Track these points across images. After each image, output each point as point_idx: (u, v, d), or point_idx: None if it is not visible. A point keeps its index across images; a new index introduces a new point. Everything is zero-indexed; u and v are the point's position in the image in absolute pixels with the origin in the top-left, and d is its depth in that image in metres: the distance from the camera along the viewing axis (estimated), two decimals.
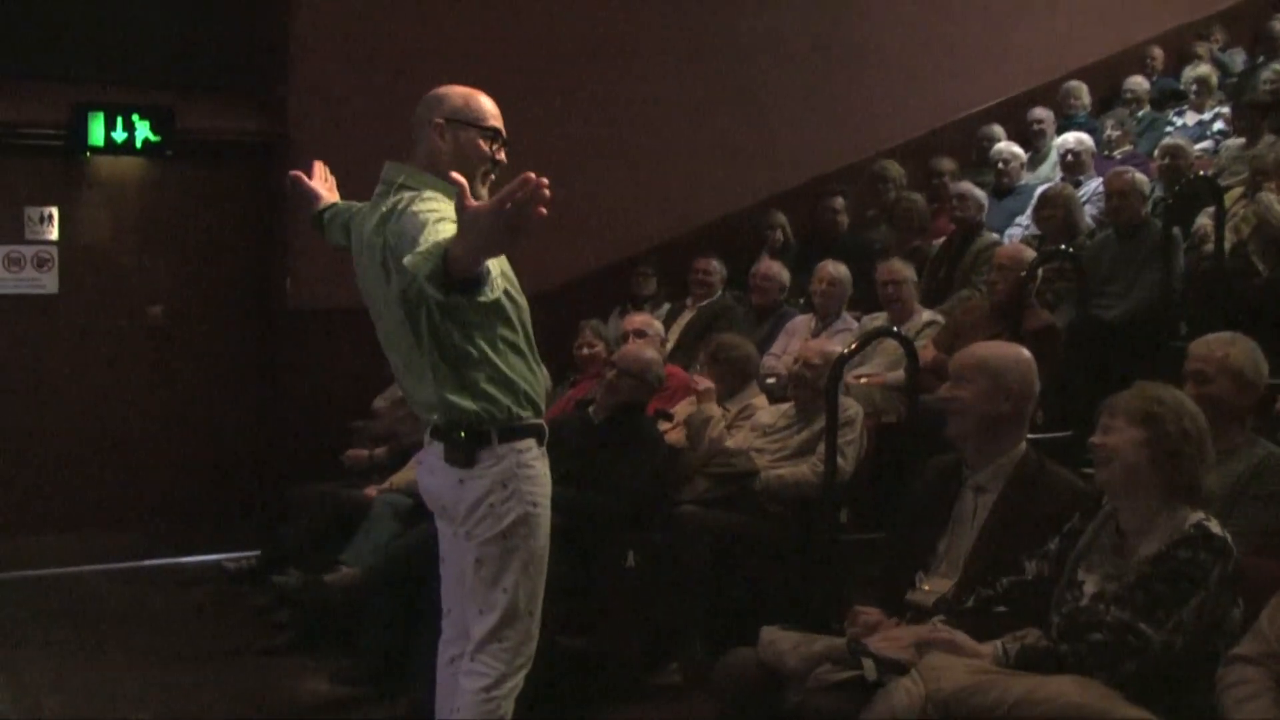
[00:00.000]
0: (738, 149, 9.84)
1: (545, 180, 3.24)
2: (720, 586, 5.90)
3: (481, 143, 3.93)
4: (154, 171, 8.86)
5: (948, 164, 9.72)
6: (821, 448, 5.96)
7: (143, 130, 8.56)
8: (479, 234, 3.22)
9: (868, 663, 3.60)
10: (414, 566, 5.70)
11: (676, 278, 8.91)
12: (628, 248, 9.42)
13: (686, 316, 8.42)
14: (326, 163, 8.75)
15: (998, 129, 10.21)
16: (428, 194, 3.75)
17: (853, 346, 6.20)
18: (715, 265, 8.60)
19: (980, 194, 8.42)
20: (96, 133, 8.51)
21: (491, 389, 3.76)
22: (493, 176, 3.96)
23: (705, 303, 8.47)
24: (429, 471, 3.94)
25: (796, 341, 7.45)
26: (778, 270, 8.24)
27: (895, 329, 6.77)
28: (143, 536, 8.68)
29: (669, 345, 7.83)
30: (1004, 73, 10.99)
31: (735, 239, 9.31)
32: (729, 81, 9.95)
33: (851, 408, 6.14)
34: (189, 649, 6.74)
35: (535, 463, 3.87)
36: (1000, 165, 9.42)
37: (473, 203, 3.26)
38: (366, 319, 9.03)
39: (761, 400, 6.73)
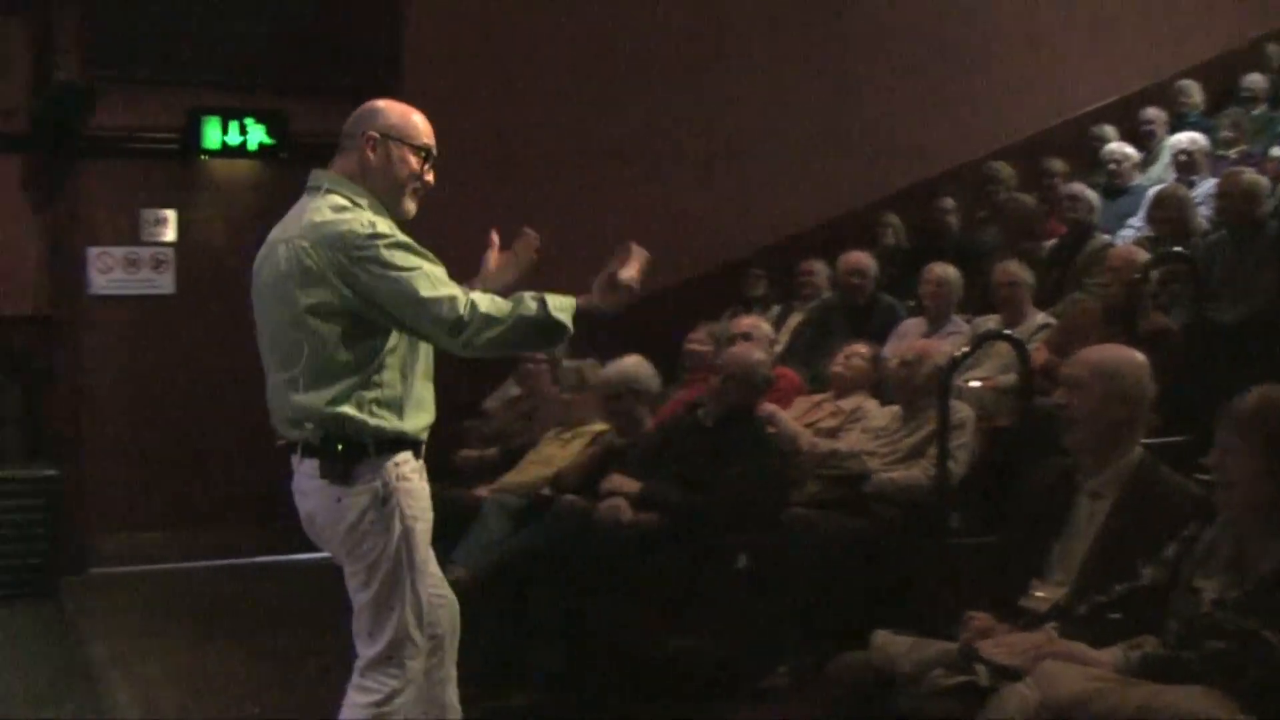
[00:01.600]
0: (849, 150, 9.79)
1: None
2: (830, 589, 5.86)
3: (413, 159, 3.89)
4: (267, 174, 8.99)
5: (1059, 165, 9.58)
6: (932, 451, 5.91)
7: (256, 134, 8.70)
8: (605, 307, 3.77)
9: (981, 668, 3.56)
10: (524, 567, 5.74)
11: (787, 280, 8.88)
12: (739, 249, 9.41)
13: (796, 318, 8.39)
14: (438, 165, 8.85)
15: (1109, 129, 10.05)
16: (345, 202, 3.76)
17: (965, 349, 6.15)
18: (819, 266, 8.56)
19: (1092, 195, 8.30)
20: (212, 136, 8.66)
21: (373, 401, 3.71)
22: (419, 193, 3.95)
23: (813, 304, 8.43)
24: (302, 494, 3.84)
25: (907, 344, 7.39)
26: (867, 263, 8.15)
27: (1008, 332, 6.70)
28: (258, 533, 8.80)
29: (778, 347, 7.80)
30: (1115, 72, 10.84)
31: (846, 240, 9.25)
32: (839, 82, 9.91)
33: (963, 411, 6.08)
34: (300, 645, 6.82)
35: (413, 475, 3.81)
36: (1112, 166, 9.28)
37: (625, 276, 3.81)
38: None
39: (873, 402, 6.69)
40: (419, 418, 3.84)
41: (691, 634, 5.71)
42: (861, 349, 6.89)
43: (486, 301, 3.64)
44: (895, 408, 6.44)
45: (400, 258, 3.62)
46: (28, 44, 8.37)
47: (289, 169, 8.94)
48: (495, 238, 4.45)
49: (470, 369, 8.67)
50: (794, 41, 9.81)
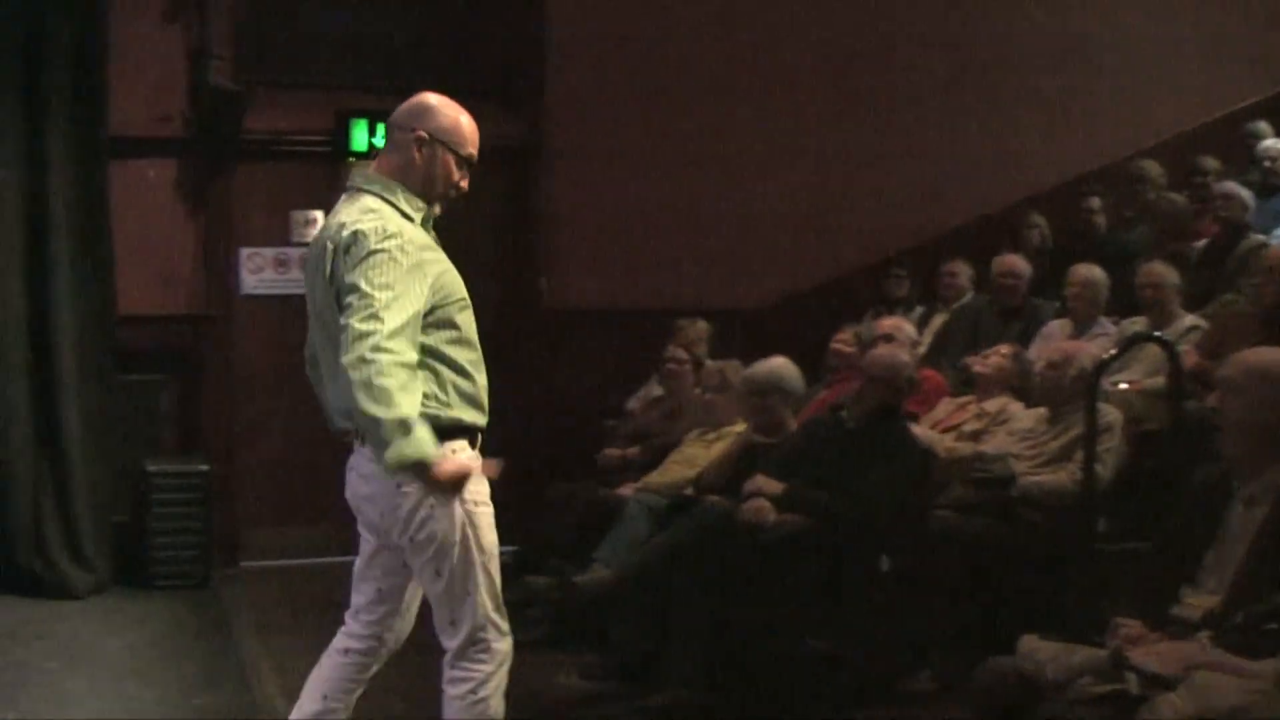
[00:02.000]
0: (993, 149, 9.69)
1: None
2: (975, 593, 5.81)
3: (454, 166, 3.94)
4: None
5: (1212, 163, 9.36)
6: (1080, 454, 5.83)
7: None
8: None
9: (1131, 676, 3.52)
10: (667, 567, 5.76)
11: (930, 280, 8.81)
12: (881, 249, 9.35)
13: (939, 319, 8.32)
14: (580, 167, 8.93)
15: (1263, 125, 9.79)
16: (373, 204, 3.80)
17: (1112, 351, 6.06)
18: (962, 267, 8.48)
19: (1245, 194, 8.12)
20: (359, 138, 8.78)
21: (428, 390, 3.74)
22: (450, 198, 4.00)
23: (957, 305, 8.36)
24: (362, 480, 3.88)
25: (1052, 346, 7.29)
26: (1022, 265, 8.06)
27: (1156, 334, 6.58)
28: None
29: (922, 348, 7.74)
30: (1271, 66, 10.56)
31: (990, 241, 9.16)
32: (983, 81, 9.80)
33: (1110, 414, 5.99)
34: (439, 641, 6.90)
35: (470, 462, 3.84)
36: (1267, 163, 9.05)
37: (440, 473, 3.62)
38: (622, 319, 9.20)
39: (1018, 405, 6.61)
40: (475, 409, 3.89)
41: (834, 637, 5.70)
42: (1003, 349, 6.81)
43: (394, 379, 3.55)
44: (1041, 410, 6.37)
45: (384, 274, 3.63)
46: (184, 52, 8.55)
47: None
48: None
49: (613, 369, 8.80)
50: (939, 41, 9.72)
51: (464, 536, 3.78)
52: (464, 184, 3.97)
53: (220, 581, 8.16)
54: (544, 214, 9.14)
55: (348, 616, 4.15)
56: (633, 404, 8.43)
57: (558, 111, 9.13)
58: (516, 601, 6.85)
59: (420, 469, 3.60)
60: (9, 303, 7.91)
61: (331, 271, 3.73)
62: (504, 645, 3.89)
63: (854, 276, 9.34)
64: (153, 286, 8.42)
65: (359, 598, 4.13)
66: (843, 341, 7.51)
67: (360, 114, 8.76)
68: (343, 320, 3.62)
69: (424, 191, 3.88)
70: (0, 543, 7.94)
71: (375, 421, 3.54)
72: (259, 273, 8.77)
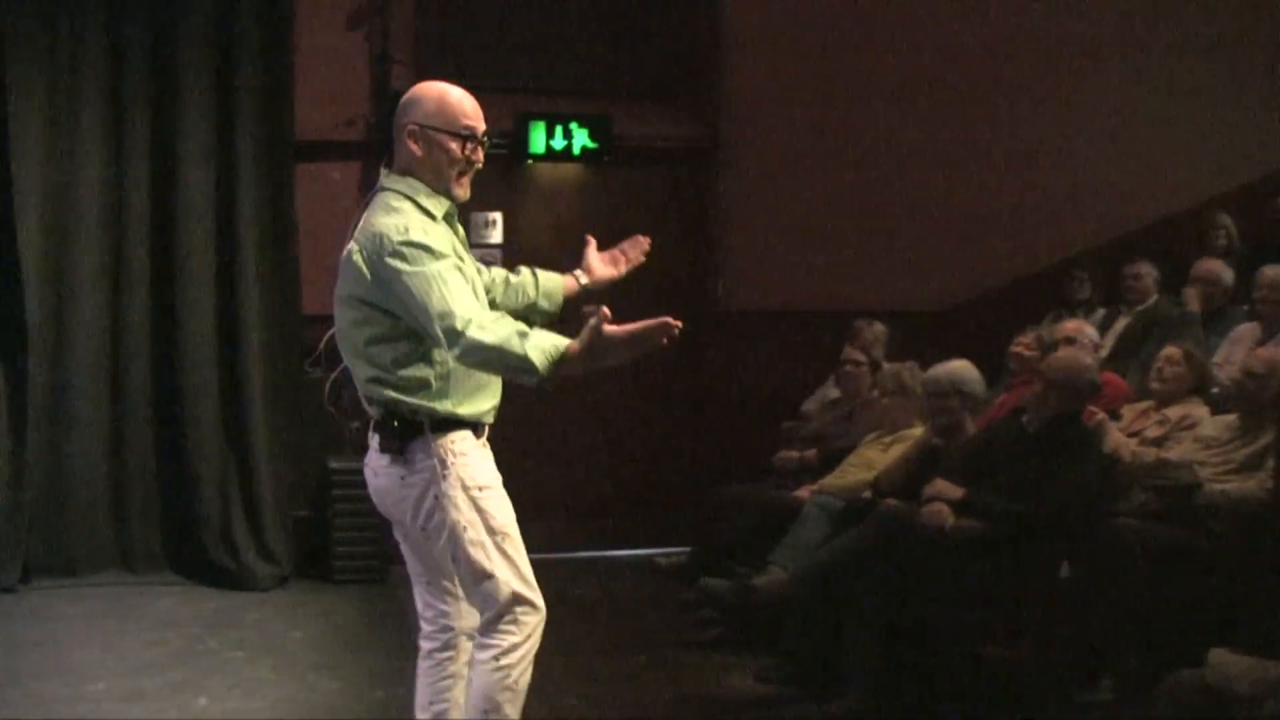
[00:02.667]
0: (1177, 147, 9.41)
1: (679, 324, 3.66)
2: (1158, 602, 5.66)
3: (454, 146, 3.90)
4: (591, 177, 9.18)
5: None
6: (1270, 463, 5.65)
7: (580, 138, 8.88)
8: (604, 358, 3.62)
9: None
10: (844, 570, 5.72)
11: (1113, 282, 8.61)
12: (1063, 250, 9.17)
13: (1122, 322, 8.14)
14: (757, 167, 8.92)
15: None
16: (395, 203, 3.84)
17: None
18: (1146, 269, 8.27)
19: None
20: (538, 141, 8.88)
21: (422, 386, 3.81)
22: (467, 174, 3.96)
23: (1140, 308, 8.16)
24: (374, 473, 3.98)
25: (1240, 350, 7.07)
26: (1220, 270, 7.85)
27: None
28: (575, 529, 9.01)
29: (1104, 352, 7.57)
30: None
31: (1174, 242, 8.92)
32: (1166, 79, 9.55)
33: None
34: (616, 640, 6.95)
35: (471, 450, 3.90)
36: None
37: (612, 331, 3.59)
38: (797, 321, 9.17)
39: (1204, 410, 6.43)
40: (476, 401, 3.93)
41: (1012, 643, 5.60)
42: (1174, 354, 6.60)
43: (487, 326, 3.63)
44: (1229, 417, 6.17)
45: (419, 263, 3.69)
46: (366, 57, 8.71)
47: (612, 172, 9.13)
48: (591, 239, 4.51)
49: (789, 371, 8.76)
50: (1121, 40, 9.50)
51: (472, 520, 3.84)
52: (477, 156, 3.96)
53: (398, 577, 8.25)
54: (720, 215, 9.14)
55: (420, 620, 4.23)
56: (809, 406, 8.38)
57: (734, 111, 9.13)
58: (693, 601, 6.93)
59: (575, 361, 3.64)
60: (199, 302, 8.14)
61: (354, 268, 3.81)
62: (534, 619, 3.91)
63: (1035, 278, 9.16)
64: (335, 286, 8.56)
65: (417, 599, 4.22)
66: (1023, 345, 7.37)
67: (539, 116, 8.85)
68: (412, 312, 3.70)
69: (436, 181, 3.90)
70: (189, 536, 8.17)
71: (516, 361, 3.61)
72: None
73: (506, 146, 8.89)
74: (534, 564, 8.16)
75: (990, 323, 8.22)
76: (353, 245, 3.83)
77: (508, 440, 8.93)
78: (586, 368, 3.66)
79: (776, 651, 6.15)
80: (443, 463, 3.83)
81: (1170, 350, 6.58)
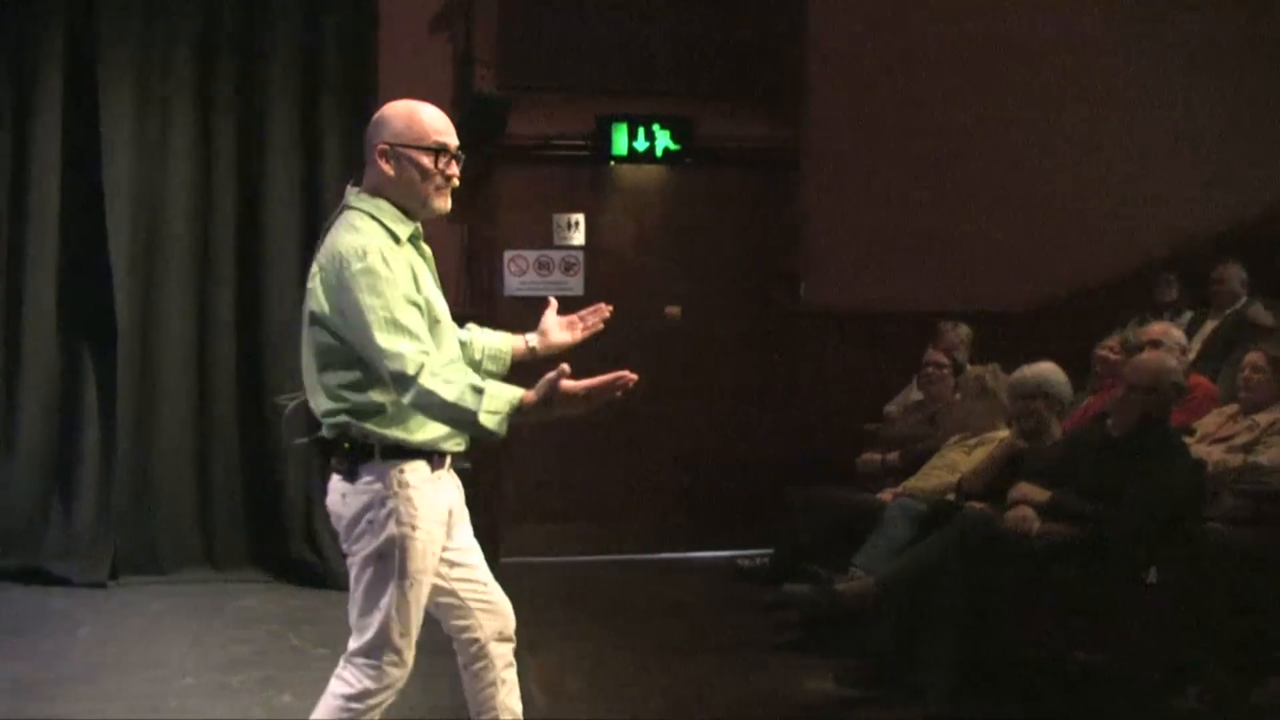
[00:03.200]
0: (1268, 147, 9.28)
1: (634, 377, 3.57)
2: (1247, 609, 5.58)
3: (426, 161, 3.83)
4: (673, 178, 9.18)
5: None
6: None
7: (663, 139, 8.89)
8: (559, 411, 3.60)
9: None
10: (928, 573, 5.68)
11: (1200, 284, 8.49)
12: (1149, 252, 9.06)
13: (1210, 325, 8.02)
14: (839, 168, 8.87)
15: None
16: (358, 223, 3.78)
17: None
18: (1234, 271, 8.16)
19: None
20: (620, 142, 8.90)
21: (375, 411, 3.72)
22: (444, 189, 3.89)
23: (1229, 311, 8.05)
24: (329, 489, 3.91)
25: None
26: None
27: None
28: (659, 529, 9.02)
29: (1191, 355, 7.47)
30: None
31: (1263, 243, 8.78)
32: (1251, 77, 9.40)
33: None
34: (697, 641, 6.94)
35: (421, 485, 3.79)
36: None
37: (568, 386, 3.55)
38: (880, 323, 9.10)
39: None
40: (430, 429, 3.79)
41: (1097, 649, 5.55)
42: (1256, 359, 6.49)
43: (439, 374, 3.55)
44: None
45: (375, 292, 3.62)
46: (450, 60, 8.78)
47: (694, 174, 9.12)
48: (553, 301, 4.42)
49: (871, 373, 8.71)
50: (1206, 38, 9.37)
51: (390, 556, 3.76)
52: (451, 170, 3.89)
53: None
54: (804, 215, 9.11)
55: (450, 638, 4.18)
56: (891, 408, 8.34)
57: (817, 112, 9.10)
58: (772, 605, 6.91)
59: (529, 414, 3.60)
60: (284, 300, 8.20)
61: (314, 288, 3.77)
62: (397, 672, 3.85)
63: (1122, 279, 9.05)
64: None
65: (435, 613, 4.14)
66: (1108, 348, 7.30)
67: (621, 118, 8.87)
68: (361, 343, 3.64)
69: (408, 199, 3.85)
70: (274, 535, 8.25)
71: (466, 418, 3.56)
72: (521, 275, 8.94)
73: (589, 148, 8.92)
74: (620, 565, 8.22)
75: (1076, 325, 8.13)
76: (315, 266, 3.79)
77: (592, 442, 9.05)
78: (540, 420, 3.64)
79: (857, 655, 6.10)
80: (386, 489, 3.76)
81: (1253, 356, 6.48)
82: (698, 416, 9.17)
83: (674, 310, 9.14)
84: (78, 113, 8.11)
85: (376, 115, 3.93)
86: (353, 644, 3.85)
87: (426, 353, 3.58)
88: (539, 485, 9.01)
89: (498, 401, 3.55)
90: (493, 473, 8.77)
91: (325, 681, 5.70)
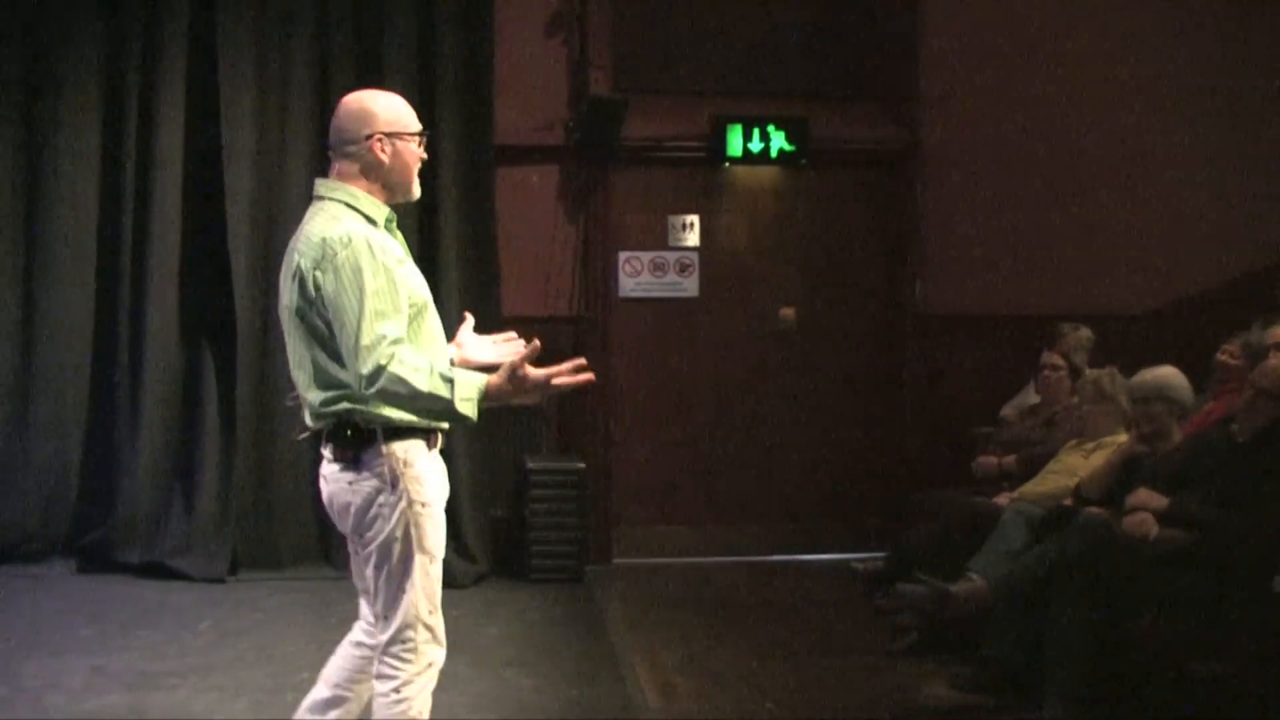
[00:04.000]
0: None
1: (590, 375, 3.77)
2: None
3: (414, 145, 4.04)
4: (788, 180, 9.15)
5: None
6: None
7: (778, 140, 8.86)
8: (521, 396, 3.72)
9: None
10: (1046, 578, 5.60)
11: None
12: (1273, 252, 8.86)
13: None
14: (955, 169, 8.77)
15: None
16: (336, 212, 3.91)
17: None
18: None
19: None
20: (735, 144, 8.88)
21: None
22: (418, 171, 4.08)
23: None
24: (325, 480, 3.99)
25: None
26: None
27: None
28: (772, 532, 9.01)
29: None
30: None
31: None
32: None
33: None
34: (812, 643, 6.92)
35: (420, 462, 3.90)
36: None
37: (527, 372, 3.68)
38: (996, 325, 8.99)
39: None
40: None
41: (1221, 658, 5.43)
42: None
43: (409, 364, 3.66)
44: None
45: (358, 280, 3.73)
46: (565, 63, 8.81)
47: (808, 174, 9.09)
48: (469, 316, 4.44)
49: (988, 375, 8.62)
50: None
51: (407, 535, 3.88)
52: (424, 154, 4.09)
53: (594, 576, 8.36)
54: (918, 217, 9.04)
55: (360, 614, 4.28)
56: (1007, 411, 8.23)
57: (933, 113, 9.02)
58: (887, 608, 6.85)
59: (492, 399, 3.72)
60: None
61: (299, 278, 3.83)
62: (432, 650, 3.96)
63: (1244, 281, 8.85)
64: (534, 289, 8.71)
65: (361, 599, 4.24)
66: (1228, 352, 7.14)
67: (736, 119, 8.86)
68: (339, 329, 3.75)
69: (397, 184, 4.02)
70: None
71: (432, 409, 3.73)
72: (636, 276, 8.96)
73: (703, 150, 8.92)
74: (732, 567, 8.22)
75: (1197, 328, 7.97)
76: (296, 256, 3.87)
77: (704, 444, 9.05)
78: (500, 404, 3.77)
79: (973, 660, 6.04)
80: (392, 472, 3.86)
81: None
82: (811, 418, 9.13)
83: (788, 311, 9.11)
84: (199, 119, 8.28)
85: (358, 109, 4.04)
86: (382, 635, 3.95)
87: (398, 342, 3.70)
88: (650, 487, 9.03)
89: (468, 389, 3.68)
90: (604, 474, 8.80)
91: (439, 679, 5.78)
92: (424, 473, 3.92)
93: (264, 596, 7.76)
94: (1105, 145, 9.00)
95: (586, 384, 3.77)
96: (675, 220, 9.01)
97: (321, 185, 4.04)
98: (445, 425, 4.00)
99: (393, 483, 3.86)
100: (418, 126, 4.06)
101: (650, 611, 7.61)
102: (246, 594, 7.84)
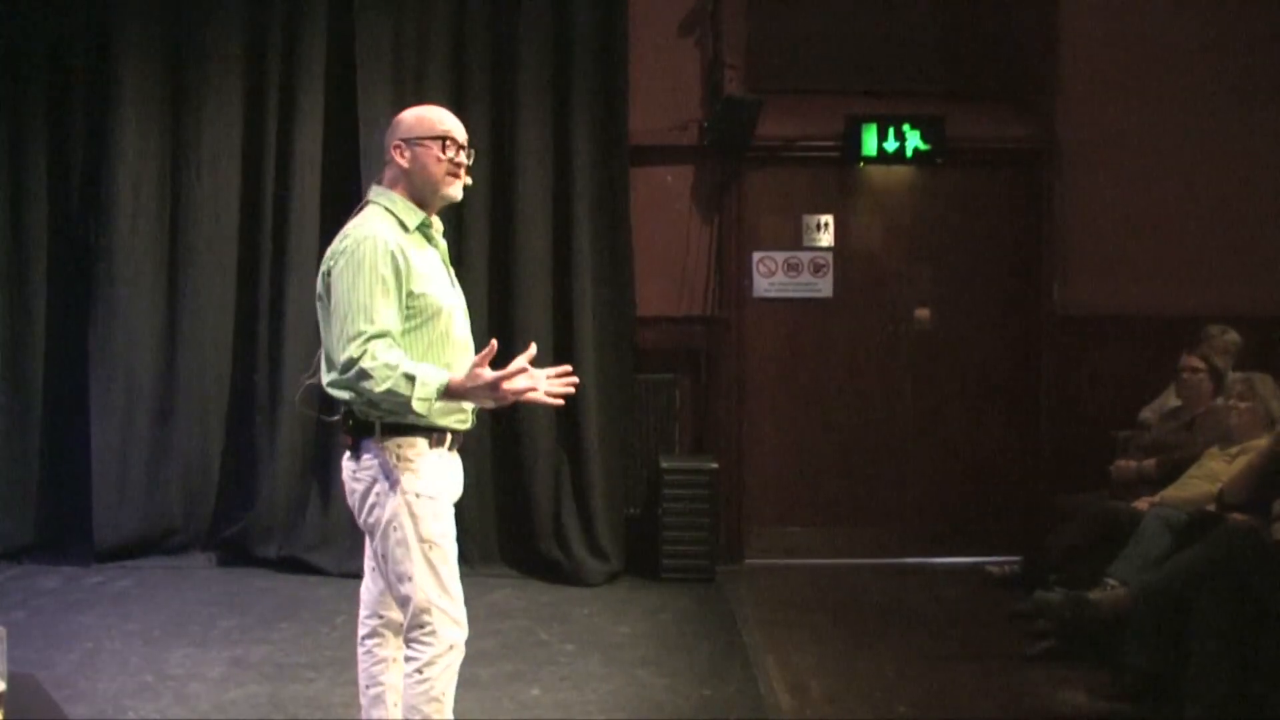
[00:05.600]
0: None
1: (566, 390, 4.12)
2: None
3: (436, 149, 4.21)
4: (923, 179, 9.06)
5: None
6: None
7: (913, 139, 8.78)
8: (480, 396, 3.91)
9: None
10: (1188, 585, 5.50)
11: None
12: None
13: None
14: (1093, 168, 8.62)
15: None
16: (371, 213, 4.17)
17: None
18: None
19: None
20: (869, 143, 8.81)
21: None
22: (456, 175, 4.26)
23: None
24: (343, 466, 4.22)
25: None
26: None
27: None
28: (905, 534, 8.94)
29: None
30: None
31: None
32: None
33: None
34: (945, 648, 6.86)
35: (419, 459, 4.09)
36: None
37: (479, 376, 3.86)
38: (1138, 326, 8.84)
39: None
40: (441, 412, 4.07)
41: None
42: None
43: (380, 360, 3.86)
44: None
45: (358, 276, 3.97)
46: (700, 63, 8.81)
47: (944, 174, 9.00)
48: (533, 347, 4.20)
49: (1127, 378, 8.47)
50: None
51: (400, 524, 4.06)
52: (460, 158, 4.26)
53: (725, 576, 8.35)
54: (1056, 217, 8.90)
55: (360, 609, 4.44)
56: (1147, 414, 8.07)
57: (1071, 110, 8.87)
58: (1023, 614, 6.77)
59: (454, 396, 3.92)
60: (534, 301, 8.36)
61: (325, 270, 4.12)
62: (451, 632, 4.09)
63: None
64: (668, 289, 8.73)
65: (362, 590, 4.43)
66: None
67: (870, 118, 8.79)
68: (334, 321, 3.98)
69: (423, 188, 4.22)
70: (524, 532, 8.40)
71: (396, 400, 3.89)
72: (770, 276, 8.94)
73: (838, 149, 8.87)
74: (862, 569, 8.15)
75: None
76: (330, 253, 4.12)
77: (838, 445, 9.01)
78: (465, 400, 4.00)
79: (1112, 667, 5.96)
80: (387, 465, 4.06)
81: None
82: (946, 420, 9.05)
83: (924, 312, 9.03)
84: (338, 122, 8.42)
85: (392, 122, 4.32)
86: (402, 620, 4.14)
87: (378, 338, 3.90)
88: (783, 488, 9.00)
89: (427, 389, 3.86)
90: (737, 475, 8.80)
91: (572, 678, 5.85)
92: (422, 467, 4.11)
93: None
94: (1247, 141, 8.80)
95: (554, 398, 4.08)
96: (810, 220, 8.97)
97: (371, 189, 4.30)
98: (458, 426, 4.22)
99: (386, 474, 4.06)
100: (440, 131, 4.23)
101: (782, 612, 7.60)
102: None
